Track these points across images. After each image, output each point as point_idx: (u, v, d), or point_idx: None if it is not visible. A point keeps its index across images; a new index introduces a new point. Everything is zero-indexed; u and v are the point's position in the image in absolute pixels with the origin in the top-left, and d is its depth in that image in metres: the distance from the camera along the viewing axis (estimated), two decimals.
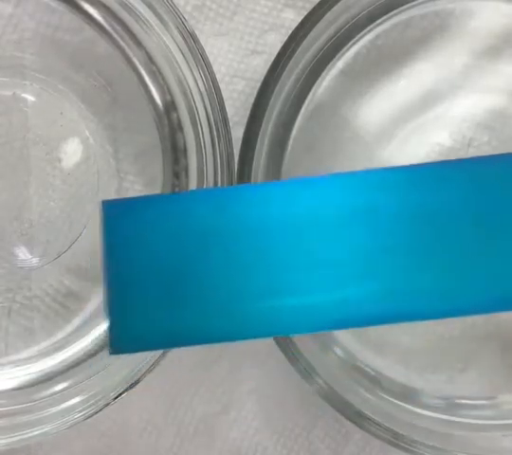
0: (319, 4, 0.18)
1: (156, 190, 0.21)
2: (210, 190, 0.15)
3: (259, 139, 0.18)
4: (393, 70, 0.21)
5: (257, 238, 0.15)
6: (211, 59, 0.22)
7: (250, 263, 0.15)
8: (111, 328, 0.15)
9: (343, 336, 0.22)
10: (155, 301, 0.15)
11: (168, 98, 0.20)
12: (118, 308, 0.15)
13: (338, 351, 0.21)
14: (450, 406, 0.21)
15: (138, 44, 0.20)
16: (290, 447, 0.23)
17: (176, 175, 0.21)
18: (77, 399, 0.19)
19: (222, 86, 0.21)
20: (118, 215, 0.15)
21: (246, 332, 0.15)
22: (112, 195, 0.22)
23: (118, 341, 0.15)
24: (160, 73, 0.20)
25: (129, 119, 0.21)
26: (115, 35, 0.20)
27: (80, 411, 0.19)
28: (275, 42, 0.22)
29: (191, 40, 0.18)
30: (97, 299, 0.22)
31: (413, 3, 0.21)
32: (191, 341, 0.16)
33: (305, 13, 0.18)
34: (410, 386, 0.22)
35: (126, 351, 0.15)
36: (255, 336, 0.15)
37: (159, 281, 0.15)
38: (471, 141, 0.21)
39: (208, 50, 0.20)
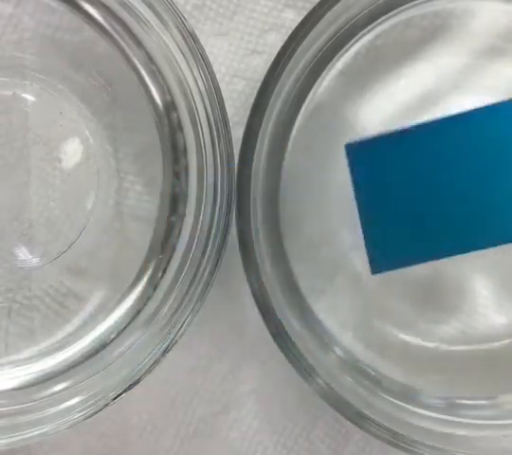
0: (319, 4, 0.18)
1: (157, 189, 0.21)
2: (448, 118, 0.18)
3: (259, 139, 0.18)
4: (393, 70, 0.21)
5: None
6: (211, 59, 0.22)
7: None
8: (370, 252, 0.18)
9: (343, 336, 0.22)
10: (403, 225, 0.17)
11: (168, 98, 0.20)
12: (373, 235, 0.18)
13: (338, 351, 0.21)
14: (450, 406, 0.21)
15: (138, 44, 0.20)
16: (290, 447, 0.23)
17: (176, 175, 0.21)
18: (77, 399, 0.19)
19: (222, 86, 0.21)
20: (360, 154, 0.18)
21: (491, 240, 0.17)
22: (112, 195, 0.22)
23: (378, 262, 0.18)
24: (160, 73, 0.20)
25: (129, 119, 0.21)
26: (115, 35, 0.20)
27: (79, 411, 0.19)
28: (275, 42, 0.22)
29: (190, 40, 0.18)
30: (97, 298, 0.22)
31: (413, 3, 0.21)
32: (433, 256, 0.18)
33: (305, 13, 0.18)
34: (410, 386, 0.21)
35: (386, 270, 0.18)
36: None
37: (405, 206, 0.17)
38: None
39: (208, 50, 0.20)
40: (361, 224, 0.18)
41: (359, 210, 0.18)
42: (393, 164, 0.17)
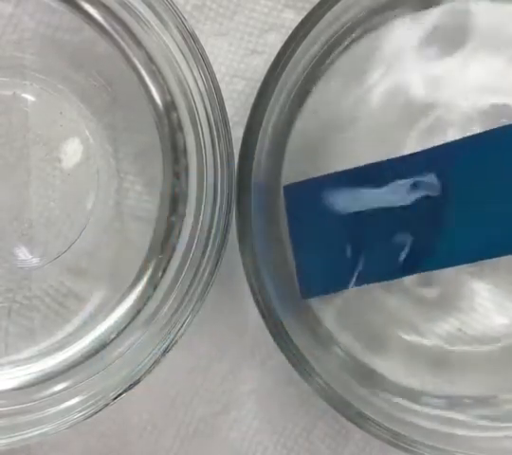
0: (319, 4, 0.18)
1: (157, 189, 0.21)
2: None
3: (259, 139, 0.18)
4: (393, 70, 0.21)
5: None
6: (211, 59, 0.22)
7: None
8: (299, 279, 0.20)
9: (344, 336, 0.22)
10: (329, 256, 0.20)
11: (168, 98, 0.20)
12: (303, 264, 0.20)
13: (338, 351, 0.21)
14: (450, 406, 0.21)
15: (138, 44, 0.20)
16: (290, 448, 0.23)
17: (176, 175, 0.21)
18: (77, 399, 0.19)
19: (222, 86, 0.21)
20: (294, 194, 0.20)
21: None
22: (112, 195, 0.22)
23: (307, 289, 0.21)
24: (160, 73, 0.20)
25: (129, 119, 0.21)
26: (115, 35, 0.20)
27: (79, 411, 0.19)
28: (275, 42, 0.22)
29: (191, 40, 0.18)
30: (97, 298, 0.22)
31: (413, 3, 0.21)
32: (357, 283, 0.21)
33: (305, 13, 0.18)
34: (410, 386, 0.21)
35: (314, 295, 0.21)
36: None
37: (332, 239, 0.20)
38: None
39: (208, 50, 0.20)
40: (293, 253, 0.21)
41: (292, 241, 0.21)
42: (321, 202, 0.20)
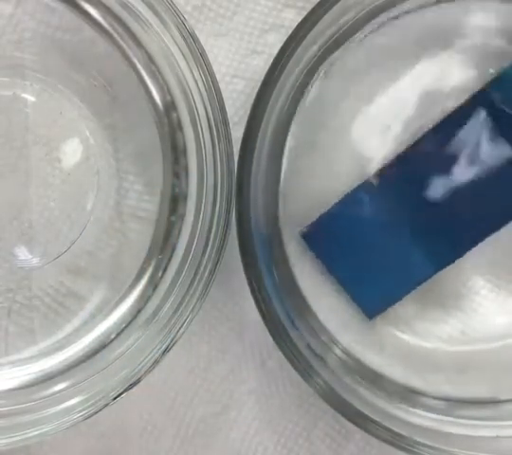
0: (318, 4, 0.18)
1: (157, 189, 0.21)
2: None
3: (259, 139, 0.18)
4: (393, 70, 0.21)
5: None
6: (211, 59, 0.22)
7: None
8: (360, 304, 0.22)
9: (343, 336, 0.22)
10: (374, 273, 0.21)
11: (168, 98, 0.20)
12: (356, 290, 0.22)
13: (338, 351, 0.21)
14: (450, 406, 0.21)
15: (138, 43, 0.20)
16: (290, 448, 0.23)
17: (176, 175, 0.21)
18: (77, 399, 0.19)
19: (222, 86, 0.21)
20: (313, 236, 0.21)
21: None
22: (112, 195, 0.22)
23: (370, 309, 0.22)
24: (160, 73, 0.20)
25: (129, 119, 0.21)
26: (115, 35, 0.20)
27: (79, 411, 0.19)
28: (275, 42, 0.22)
29: (191, 40, 0.18)
30: (97, 298, 0.22)
31: (412, 3, 0.21)
32: (407, 289, 0.22)
33: (305, 13, 0.18)
34: (410, 386, 0.21)
35: (379, 313, 0.22)
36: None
37: (367, 259, 0.21)
38: None
39: (208, 50, 0.20)
40: (341, 284, 0.22)
41: (336, 276, 0.21)
42: (340, 231, 0.21)
